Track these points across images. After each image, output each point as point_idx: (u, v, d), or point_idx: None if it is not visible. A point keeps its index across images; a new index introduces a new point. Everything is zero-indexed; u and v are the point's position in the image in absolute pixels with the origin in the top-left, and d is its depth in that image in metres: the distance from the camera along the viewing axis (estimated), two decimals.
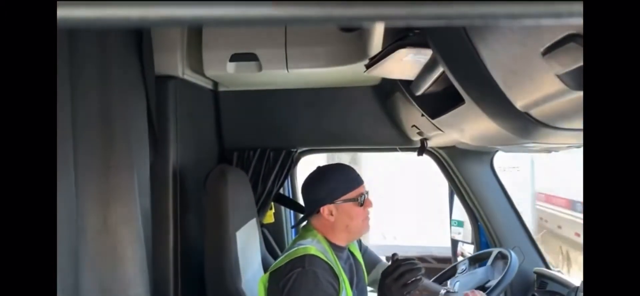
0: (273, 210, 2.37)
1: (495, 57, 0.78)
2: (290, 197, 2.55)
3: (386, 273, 1.45)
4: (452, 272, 2.04)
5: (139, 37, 1.50)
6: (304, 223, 1.65)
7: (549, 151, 1.60)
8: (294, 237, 2.19)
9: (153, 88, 1.56)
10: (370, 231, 1.64)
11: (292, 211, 2.60)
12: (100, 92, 1.35)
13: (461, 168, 2.17)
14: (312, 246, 1.47)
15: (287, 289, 1.39)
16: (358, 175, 1.59)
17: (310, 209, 1.57)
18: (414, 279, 1.41)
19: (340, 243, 1.57)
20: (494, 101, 0.88)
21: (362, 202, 1.54)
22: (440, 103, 1.30)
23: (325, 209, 1.53)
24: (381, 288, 1.46)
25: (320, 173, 1.59)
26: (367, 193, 1.57)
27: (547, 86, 0.69)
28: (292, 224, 2.63)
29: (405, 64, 1.19)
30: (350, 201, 1.53)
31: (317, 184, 1.57)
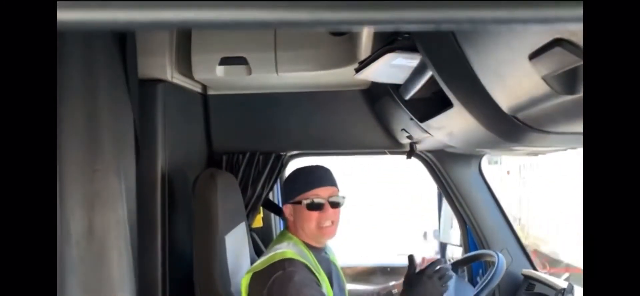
0: (262, 214, 2.37)
1: (483, 61, 0.79)
2: (280, 201, 2.54)
3: (418, 272, 1.52)
4: None
5: (124, 40, 1.49)
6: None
7: (536, 154, 1.62)
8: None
9: (136, 91, 1.55)
10: None
11: None
12: (85, 95, 1.34)
13: (450, 171, 2.18)
14: (288, 249, 1.49)
15: (271, 294, 1.40)
16: (321, 178, 1.58)
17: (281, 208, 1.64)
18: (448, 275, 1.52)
19: (311, 243, 1.59)
20: (482, 104, 0.89)
21: (310, 206, 1.53)
22: (428, 107, 1.30)
23: (285, 209, 1.60)
24: (413, 281, 1.51)
25: (292, 172, 1.64)
26: (319, 200, 1.54)
27: (533, 89, 0.70)
28: (281, 227, 2.62)
29: (394, 68, 1.19)
30: (297, 204, 1.56)
31: (286, 183, 1.64)
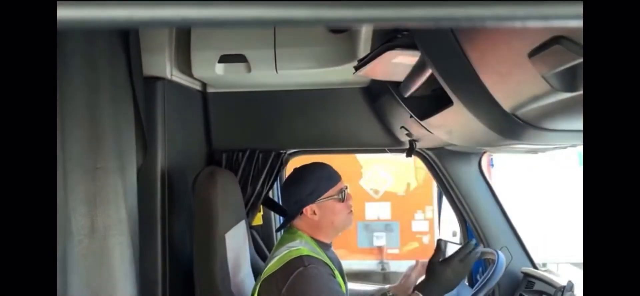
0: (262, 212, 2.37)
1: (483, 59, 0.79)
2: (279, 199, 2.54)
3: (442, 260, 1.55)
4: None
5: (127, 38, 1.49)
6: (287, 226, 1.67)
7: (535, 152, 1.62)
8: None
9: (141, 90, 1.55)
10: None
11: None
12: (88, 93, 1.34)
13: (449, 169, 2.18)
14: (303, 247, 1.49)
15: (292, 291, 1.38)
16: (335, 172, 1.64)
17: (294, 211, 1.60)
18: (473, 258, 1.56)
19: (326, 240, 1.61)
20: (482, 102, 0.89)
21: (343, 197, 1.59)
22: (428, 105, 1.30)
23: (308, 209, 1.57)
24: (437, 268, 1.53)
25: (299, 174, 1.62)
26: (346, 187, 1.62)
27: (533, 87, 0.70)
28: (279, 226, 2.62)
29: (393, 65, 1.19)
30: (332, 198, 1.58)
31: (298, 186, 1.59)
